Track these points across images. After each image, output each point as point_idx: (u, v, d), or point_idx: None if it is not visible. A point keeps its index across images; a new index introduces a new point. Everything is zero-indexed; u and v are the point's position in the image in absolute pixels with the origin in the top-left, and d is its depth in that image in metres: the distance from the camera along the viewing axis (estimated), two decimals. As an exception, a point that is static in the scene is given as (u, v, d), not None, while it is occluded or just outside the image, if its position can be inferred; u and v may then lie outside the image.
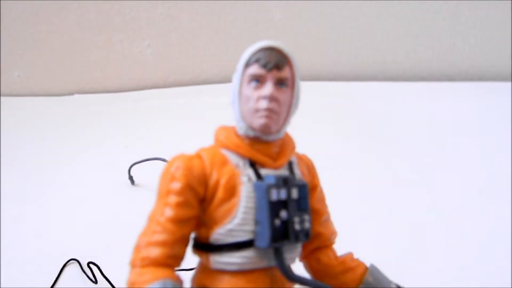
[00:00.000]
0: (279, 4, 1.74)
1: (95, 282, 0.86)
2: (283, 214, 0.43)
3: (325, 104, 1.50)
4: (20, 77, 1.86)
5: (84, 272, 0.88)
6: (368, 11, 1.72)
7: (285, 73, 0.45)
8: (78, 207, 1.11)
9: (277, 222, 0.43)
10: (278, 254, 0.43)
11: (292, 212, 0.44)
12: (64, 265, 0.90)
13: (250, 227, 0.44)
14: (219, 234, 0.44)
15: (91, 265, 0.88)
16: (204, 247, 0.45)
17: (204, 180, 0.45)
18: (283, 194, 0.44)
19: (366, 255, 0.58)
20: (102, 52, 1.83)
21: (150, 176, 1.14)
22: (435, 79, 1.73)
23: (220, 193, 0.44)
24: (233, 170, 0.45)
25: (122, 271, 0.85)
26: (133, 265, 0.44)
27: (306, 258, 0.52)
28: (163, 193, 0.45)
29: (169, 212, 0.44)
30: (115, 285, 0.84)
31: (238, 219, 0.44)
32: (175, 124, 1.48)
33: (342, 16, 1.73)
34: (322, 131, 1.35)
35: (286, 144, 0.48)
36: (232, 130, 0.47)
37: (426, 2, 1.69)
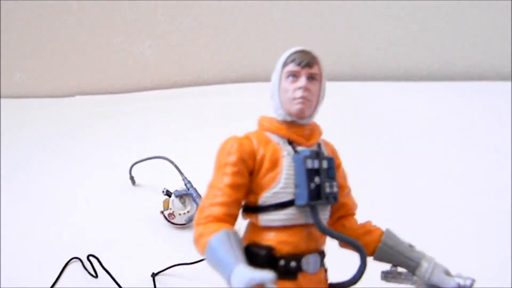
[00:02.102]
0: (279, 4, 1.75)
1: (96, 276, 0.86)
2: (317, 179, 0.54)
3: (325, 103, 1.50)
4: (21, 79, 1.87)
5: (86, 269, 0.89)
6: (368, 11, 1.72)
7: (315, 70, 0.56)
8: (80, 207, 1.11)
9: (312, 185, 0.53)
10: (314, 211, 0.53)
11: (323, 178, 0.54)
12: (66, 264, 0.90)
13: (291, 189, 0.53)
14: (266, 197, 0.54)
15: (91, 259, 0.89)
16: (253, 209, 0.55)
17: (253, 154, 0.55)
18: (316, 164, 0.54)
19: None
20: (103, 53, 1.84)
21: (151, 176, 1.17)
22: (435, 78, 1.73)
23: (266, 164, 0.54)
24: (276, 146, 0.55)
25: (123, 268, 0.87)
26: (197, 223, 0.52)
27: (333, 226, 0.61)
28: (221, 165, 0.55)
29: (227, 179, 0.53)
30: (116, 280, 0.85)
31: (281, 183, 0.53)
32: (176, 124, 1.48)
33: (342, 16, 1.74)
34: (323, 129, 1.35)
35: (315, 129, 0.59)
36: (272, 118, 0.58)
37: (427, 2, 1.70)
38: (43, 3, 1.79)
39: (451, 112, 1.46)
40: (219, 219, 0.52)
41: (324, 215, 0.55)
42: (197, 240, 0.51)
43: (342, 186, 0.60)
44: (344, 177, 0.62)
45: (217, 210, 0.52)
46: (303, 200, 0.52)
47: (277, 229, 0.53)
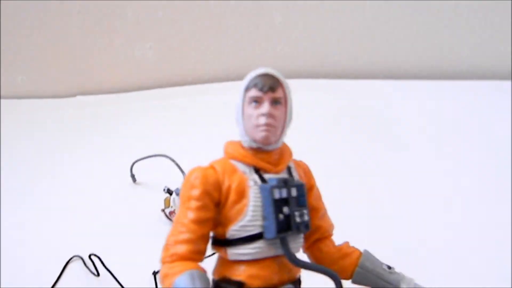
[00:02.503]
0: (279, 7, 1.75)
1: (97, 274, 0.87)
2: (285, 209, 0.51)
3: (325, 101, 1.50)
4: (22, 80, 1.87)
5: (87, 267, 0.89)
6: (368, 11, 1.72)
7: (279, 93, 0.53)
8: (81, 205, 1.11)
9: (281, 216, 0.51)
10: (284, 243, 0.51)
11: (292, 207, 0.52)
12: (68, 262, 0.91)
13: (259, 222, 0.51)
14: (234, 230, 0.51)
15: (93, 258, 0.89)
16: (222, 242, 0.53)
17: (218, 186, 0.52)
18: (284, 193, 0.51)
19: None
20: (104, 54, 1.84)
21: (151, 174, 1.17)
22: (435, 77, 1.72)
23: (232, 196, 0.52)
24: (242, 176, 0.53)
25: (125, 267, 0.88)
26: (163, 262, 0.51)
27: (309, 249, 0.59)
28: (185, 200, 0.52)
29: (191, 215, 0.51)
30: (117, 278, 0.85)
31: (248, 216, 0.51)
32: (177, 122, 1.48)
33: (341, 17, 1.74)
34: (323, 128, 1.35)
35: (284, 152, 0.56)
36: (238, 143, 0.55)
37: (426, 2, 1.70)
38: (45, 6, 1.80)
39: (451, 110, 1.46)
40: (184, 258, 0.50)
41: (296, 243, 0.53)
42: (162, 281, 0.50)
43: (317, 208, 0.58)
44: (319, 198, 0.59)
45: (182, 248, 0.50)
46: (271, 233, 0.50)
47: (246, 263, 0.51)
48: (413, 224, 0.99)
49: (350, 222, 0.95)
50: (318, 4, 1.73)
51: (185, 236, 0.51)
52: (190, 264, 0.49)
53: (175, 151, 1.12)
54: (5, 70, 1.85)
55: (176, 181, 1.04)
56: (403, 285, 0.56)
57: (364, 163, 1.23)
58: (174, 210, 1.00)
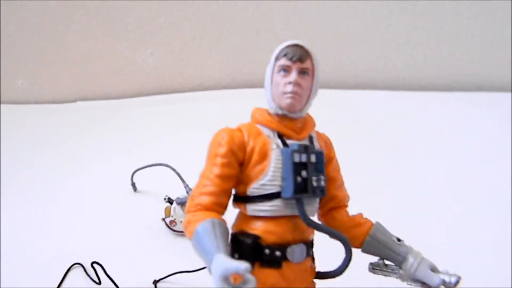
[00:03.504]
0: (280, 14, 1.76)
1: (99, 282, 0.87)
2: (303, 173, 0.54)
3: (325, 111, 1.50)
4: (23, 85, 1.88)
5: (88, 275, 0.89)
6: (369, 21, 1.74)
7: (307, 64, 0.56)
8: (81, 212, 1.11)
9: (299, 179, 0.54)
10: (299, 204, 0.54)
11: (310, 172, 0.55)
12: (68, 269, 0.91)
13: (278, 182, 0.54)
14: (254, 188, 0.55)
15: (95, 266, 0.89)
16: (242, 199, 0.56)
17: (243, 146, 0.56)
18: (303, 158, 0.55)
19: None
20: (105, 60, 1.85)
21: (152, 183, 1.17)
22: (434, 89, 1.74)
23: (255, 157, 0.55)
24: (266, 139, 0.56)
25: (125, 276, 0.88)
26: (188, 211, 0.55)
27: (324, 217, 0.62)
28: (212, 156, 0.56)
29: (216, 170, 0.55)
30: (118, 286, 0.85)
31: (269, 176, 0.54)
32: (177, 130, 1.49)
33: (342, 26, 1.75)
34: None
35: (308, 122, 0.59)
36: (265, 110, 0.58)
37: (427, 13, 1.71)
38: (46, 10, 1.80)
39: (451, 121, 1.47)
40: (207, 208, 0.54)
41: (311, 207, 0.56)
42: (185, 227, 0.54)
43: (334, 178, 0.61)
44: (337, 170, 0.62)
45: (206, 199, 0.54)
46: (288, 193, 0.53)
47: (263, 219, 0.55)
48: (414, 227, 0.99)
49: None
50: (319, 10, 1.74)
51: (209, 188, 0.55)
52: (212, 213, 0.53)
53: (175, 158, 1.12)
54: (5, 75, 1.86)
55: (176, 190, 1.04)
56: (410, 257, 0.58)
57: (366, 172, 1.23)
58: (175, 219, 1.00)
